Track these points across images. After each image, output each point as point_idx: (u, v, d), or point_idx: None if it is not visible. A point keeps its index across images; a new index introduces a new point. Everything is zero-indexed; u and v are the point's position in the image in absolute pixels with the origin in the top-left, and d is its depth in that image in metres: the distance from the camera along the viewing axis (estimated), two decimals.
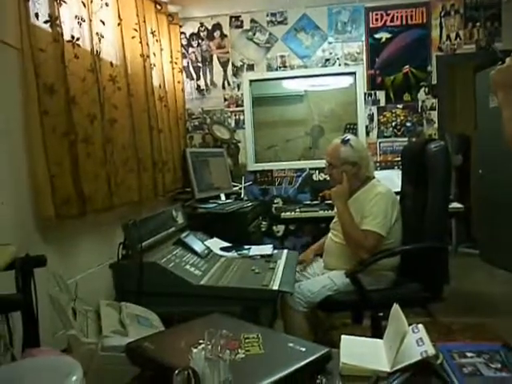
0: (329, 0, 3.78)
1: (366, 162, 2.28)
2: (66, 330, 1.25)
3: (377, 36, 3.88)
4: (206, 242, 2.19)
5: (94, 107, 2.15)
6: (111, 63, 2.44)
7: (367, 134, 3.93)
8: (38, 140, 1.75)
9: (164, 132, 3.16)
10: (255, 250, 2.18)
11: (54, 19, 1.86)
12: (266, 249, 2.20)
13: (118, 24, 2.55)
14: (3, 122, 1.61)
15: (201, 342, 0.79)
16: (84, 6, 2.15)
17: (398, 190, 2.42)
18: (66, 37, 1.97)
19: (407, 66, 3.79)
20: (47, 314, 1.45)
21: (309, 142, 4.67)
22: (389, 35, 3.83)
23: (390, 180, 2.99)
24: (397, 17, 3.82)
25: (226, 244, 2.28)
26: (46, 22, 1.83)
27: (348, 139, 2.26)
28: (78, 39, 2.06)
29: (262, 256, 2.11)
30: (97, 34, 2.28)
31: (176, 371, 0.68)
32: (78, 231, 2.03)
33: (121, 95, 2.51)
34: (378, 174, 3.44)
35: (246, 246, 2.24)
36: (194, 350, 0.72)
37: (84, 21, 2.13)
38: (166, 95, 3.32)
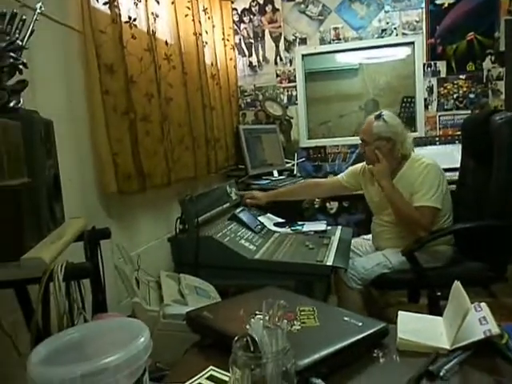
0: None
1: (402, 139, 2.16)
2: (130, 297, 1.33)
3: (438, 2, 3.64)
4: (259, 218, 2.23)
5: (151, 86, 2.21)
6: (166, 42, 2.48)
7: (426, 107, 3.75)
8: (100, 119, 1.83)
9: (217, 110, 3.19)
10: (309, 226, 2.19)
11: (112, 1, 1.92)
12: (320, 225, 2.20)
13: (172, 2, 2.58)
14: (68, 101, 1.70)
15: (258, 312, 0.81)
16: None
17: (458, 165, 2.31)
18: (124, 18, 2.02)
19: (472, 33, 3.54)
20: (113, 282, 1.55)
21: (363, 117, 4.53)
22: (450, 1, 3.59)
23: (450, 155, 2.87)
24: None
25: (279, 220, 2.30)
26: (104, 3, 1.89)
27: (382, 114, 2.17)
28: (134, 20, 2.11)
29: (316, 232, 2.11)
30: (152, 13, 2.31)
31: (235, 338, 0.70)
32: (138, 206, 2.13)
33: (176, 74, 2.56)
34: (437, 148, 3.31)
35: (300, 222, 2.25)
36: (252, 320, 0.74)
37: (140, 1, 2.17)
38: (218, 73, 3.34)
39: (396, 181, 2.15)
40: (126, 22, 2.05)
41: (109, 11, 1.91)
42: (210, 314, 1.05)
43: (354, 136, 4.10)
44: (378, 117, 2.17)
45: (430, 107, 3.75)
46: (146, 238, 2.20)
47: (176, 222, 1.95)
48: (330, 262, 1.69)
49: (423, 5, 3.68)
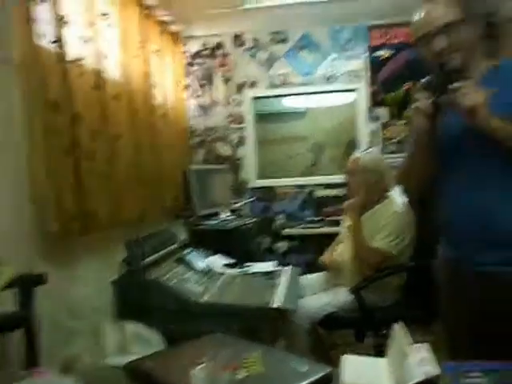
0: (330, 18, 3.82)
1: (388, 173, 2.25)
2: (67, 348, 1.24)
3: (378, 53, 3.92)
4: (207, 259, 2.19)
5: (98, 124, 2.17)
6: (115, 81, 2.47)
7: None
8: (40, 156, 1.76)
9: (166, 149, 3.18)
10: (257, 267, 2.18)
11: (58, 39, 1.90)
12: (269, 265, 2.20)
13: (122, 43, 2.59)
14: (7, 137, 1.63)
15: (201, 361, 0.79)
16: (89, 25, 2.19)
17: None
18: (71, 55, 2.00)
19: (409, 83, 3.82)
20: (49, 332, 1.45)
21: (310, 159, 4.69)
22: (390, 52, 3.87)
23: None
24: (398, 35, 3.86)
25: (227, 261, 2.27)
26: (51, 42, 1.86)
27: (369, 149, 2.31)
28: (81, 59, 2.10)
29: (265, 273, 2.10)
30: (101, 53, 2.31)
31: None
32: (80, 247, 2.03)
33: (124, 112, 2.54)
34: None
35: (248, 263, 2.24)
36: (195, 370, 0.71)
37: (88, 40, 2.17)
38: (169, 113, 3.35)
39: (368, 215, 2.22)
40: (73, 61, 2.03)
41: (55, 49, 1.89)
42: (153, 363, 1.00)
43: (302, 177, 4.21)
44: (366, 151, 2.33)
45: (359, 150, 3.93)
46: (88, 282, 2.09)
47: (121, 265, 1.87)
48: (277, 304, 1.68)
49: (365, 55, 3.94)
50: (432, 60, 1.24)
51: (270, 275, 2.07)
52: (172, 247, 2.17)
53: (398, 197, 2.22)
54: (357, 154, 2.33)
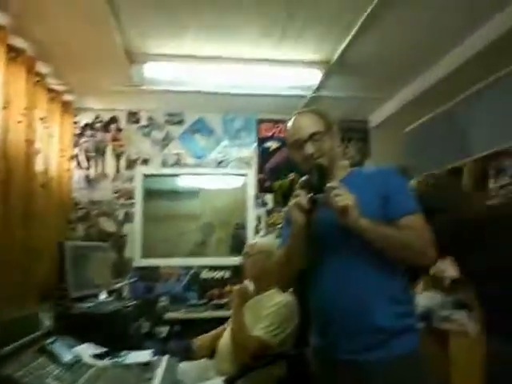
0: (223, 108, 4.07)
1: None
2: None
3: (266, 144, 4.22)
4: (75, 349, 1.95)
5: None
6: None
7: (256, 234, 4.06)
8: None
9: (42, 221, 2.92)
10: (132, 357, 1.99)
11: None
12: (144, 355, 2.02)
13: (4, 107, 2.43)
14: None
15: None
16: None
17: None
18: None
19: (293, 174, 4.13)
20: None
21: (199, 239, 4.66)
22: (277, 144, 4.19)
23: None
24: (284, 130, 4.24)
25: (99, 350, 2.05)
26: None
27: (268, 235, 2.38)
28: None
29: (139, 364, 1.92)
30: None
31: None
32: None
33: None
34: None
35: (123, 353, 2.04)
36: None
37: None
38: (50, 182, 3.13)
39: (252, 302, 2.23)
40: None
41: None
42: None
43: (189, 257, 4.14)
44: (263, 236, 2.33)
45: (258, 235, 4.07)
46: None
47: None
48: None
49: (254, 145, 4.21)
50: (302, 162, 1.41)
51: (145, 366, 1.90)
52: (34, 335, 1.89)
53: None
54: (257, 238, 2.43)
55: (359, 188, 1.30)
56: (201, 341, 2.40)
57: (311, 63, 3.13)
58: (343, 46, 2.85)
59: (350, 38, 2.75)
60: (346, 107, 4.04)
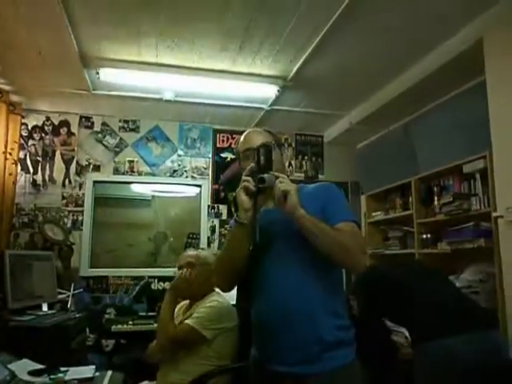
0: (180, 117, 4.04)
1: None
2: None
3: (222, 155, 4.22)
4: (11, 365, 1.84)
5: None
6: None
7: (209, 244, 4.03)
8: None
9: None
10: (73, 373, 1.89)
11: None
12: (87, 371, 1.93)
13: None
14: None
15: None
16: None
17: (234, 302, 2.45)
18: None
19: None
20: None
21: (151, 248, 4.56)
22: (233, 156, 4.19)
23: (231, 293, 3.03)
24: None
25: (37, 366, 1.94)
26: None
27: (204, 247, 2.38)
28: None
29: (81, 380, 1.84)
30: None
31: None
32: None
33: None
34: None
35: (63, 369, 1.94)
36: None
37: None
38: None
39: (192, 309, 2.20)
40: None
41: None
42: None
43: (139, 267, 4.03)
44: (203, 249, 2.34)
45: (212, 245, 4.04)
46: None
47: None
48: None
49: (210, 155, 4.20)
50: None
51: (86, 383, 1.82)
52: None
53: (221, 293, 2.31)
54: (191, 250, 2.39)
55: (302, 202, 1.33)
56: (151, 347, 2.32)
57: (268, 78, 3.18)
58: (299, 63, 2.92)
59: (306, 55, 2.82)
60: (302, 122, 4.13)
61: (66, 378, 1.86)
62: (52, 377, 1.85)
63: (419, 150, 3.38)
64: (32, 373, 1.86)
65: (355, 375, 1.31)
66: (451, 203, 2.76)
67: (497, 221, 2.28)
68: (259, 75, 3.15)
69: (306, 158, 4.43)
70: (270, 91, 3.32)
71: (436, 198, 2.99)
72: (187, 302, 2.33)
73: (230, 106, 3.69)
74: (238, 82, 3.19)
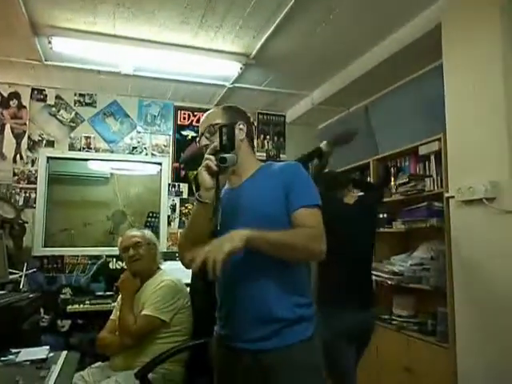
0: (140, 92, 3.91)
1: (159, 249, 2.44)
2: None
3: (184, 133, 4.14)
4: None
5: None
6: None
7: (169, 223, 3.98)
8: None
9: None
10: (25, 355, 1.84)
11: None
12: (40, 352, 1.88)
13: None
14: None
15: None
16: None
17: (189, 281, 2.44)
18: None
19: None
20: None
21: (109, 227, 4.47)
22: (194, 134, 4.13)
23: (182, 271, 3.03)
24: None
25: None
26: None
27: (141, 227, 2.41)
28: None
29: (34, 361, 1.79)
30: None
31: None
32: None
33: None
34: (177, 263, 3.45)
35: (14, 350, 1.88)
36: None
37: None
38: None
39: (142, 289, 2.22)
40: None
41: None
42: None
43: (97, 246, 3.94)
44: (142, 228, 2.45)
45: (172, 223, 4.00)
46: None
47: None
48: None
49: (171, 132, 4.11)
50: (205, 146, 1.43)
51: (40, 364, 1.77)
52: None
53: (173, 270, 2.33)
54: (134, 231, 2.40)
55: (265, 183, 1.35)
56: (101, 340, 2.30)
57: (231, 54, 3.12)
58: (262, 39, 2.88)
59: (269, 32, 2.77)
60: (265, 101, 4.10)
61: (18, 359, 1.80)
62: (2, 359, 1.79)
63: (378, 132, 3.45)
64: None
65: (314, 349, 1.34)
66: (407, 184, 2.84)
67: (448, 201, 2.37)
68: (222, 51, 3.08)
69: (268, 137, 4.42)
70: (232, 68, 3.27)
71: (392, 179, 3.07)
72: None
73: (191, 82, 3.61)
74: (199, 57, 3.11)
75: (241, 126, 1.45)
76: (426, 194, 2.71)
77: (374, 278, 2.89)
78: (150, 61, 3.21)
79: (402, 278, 2.75)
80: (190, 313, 2.25)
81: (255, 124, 4.36)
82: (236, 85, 3.62)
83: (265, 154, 4.36)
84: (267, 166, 1.50)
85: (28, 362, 1.78)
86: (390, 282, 2.81)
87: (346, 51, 3.08)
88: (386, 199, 3.07)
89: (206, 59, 3.14)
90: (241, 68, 3.23)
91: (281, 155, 4.41)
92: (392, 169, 3.14)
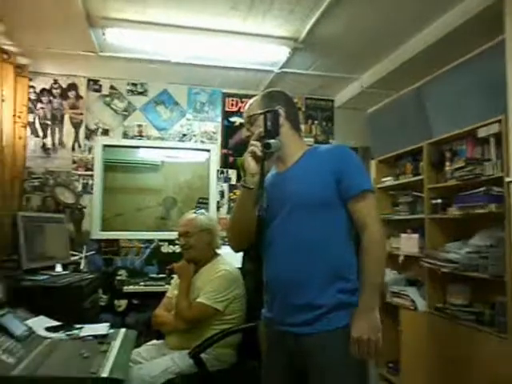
0: (189, 80, 3.98)
1: (218, 233, 2.40)
2: None
3: (231, 119, 4.17)
4: (28, 322, 1.90)
5: None
6: None
7: (218, 209, 4.06)
8: None
9: None
10: (88, 330, 1.96)
11: None
12: (101, 328, 2.00)
13: None
14: None
15: None
16: None
17: (239, 265, 2.48)
18: None
19: None
20: None
21: (161, 213, 4.61)
22: (242, 120, 4.13)
23: (236, 255, 3.08)
24: None
25: (53, 323, 2.01)
26: None
27: (201, 211, 2.43)
28: None
29: (95, 336, 1.90)
30: None
31: None
32: None
33: None
34: (225, 249, 3.52)
35: (78, 325, 2.01)
36: None
37: None
38: (2, 150, 2.98)
39: (197, 276, 2.27)
40: None
41: None
42: None
43: (149, 231, 4.08)
44: (199, 213, 2.39)
45: (221, 209, 4.07)
46: None
47: None
48: (105, 374, 1.51)
49: (219, 119, 4.16)
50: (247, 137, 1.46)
51: (101, 339, 1.88)
52: None
53: (226, 256, 2.35)
54: (191, 215, 2.39)
55: (313, 166, 1.36)
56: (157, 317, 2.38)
57: (279, 39, 3.09)
58: (311, 23, 2.83)
59: (318, 15, 2.72)
60: (312, 85, 4.05)
61: (81, 334, 1.92)
62: (68, 333, 1.92)
63: (432, 114, 3.31)
64: (49, 329, 1.93)
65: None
66: (463, 168, 2.72)
67: (509, 186, 2.25)
68: (270, 36, 3.06)
69: (316, 122, 4.37)
70: (280, 53, 3.24)
71: (448, 163, 2.95)
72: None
73: (239, 68, 3.61)
74: (248, 42, 3.11)
75: (279, 111, 1.43)
76: (485, 178, 2.57)
77: (427, 265, 2.82)
78: (200, 48, 3.24)
79: (457, 266, 2.65)
80: (244, 302, 2.27)
81: (302, 109, 4.31)
82: (284, 70, 3.59)
83: (312, 140, 4.32)
84: (313, 150, 1.49)
85: (90, 337, 1.89)
86: (444, 270, 2.72)
87: (397, 31, 2.96)
88: (440, 184, 2.96)
89: (255, 45, 3.14)
90: (289, 52, 3.20)
91: (329, 141, 4.34)
92: (447, 153, 3.01)
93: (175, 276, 2.41)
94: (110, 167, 4.11)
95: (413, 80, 3.61)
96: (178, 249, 3.62)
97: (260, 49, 3.20)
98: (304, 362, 1.33)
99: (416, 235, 3.11)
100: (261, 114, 1.39)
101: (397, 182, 3.50)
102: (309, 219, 1.34)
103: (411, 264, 3.23)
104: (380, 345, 1.25)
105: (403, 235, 3.27)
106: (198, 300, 2.14)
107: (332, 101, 4.42)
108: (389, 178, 3.60)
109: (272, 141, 1.31)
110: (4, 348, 1.60)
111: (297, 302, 1.34)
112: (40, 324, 1.95)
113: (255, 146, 1.32)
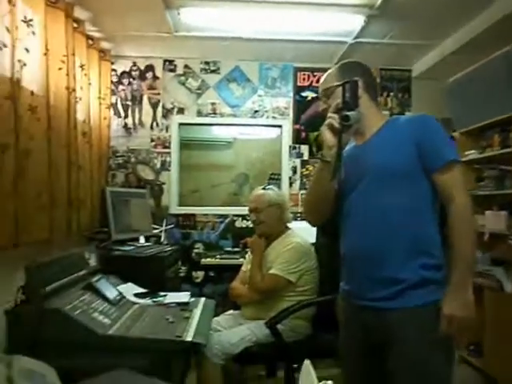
0: (260, 56, 3.97)
1: (288, 207, 2.45)
2: None
3: (303, 94, 4.12)
4: (119, 287, 2.08)
5: (7, 137, 2.01)
6: (32, 93, 2.31)
7: (290, 185, 4.07)
8: None
9: (84, 168, 3.01)
10: (171, 298, 2.10)
11: None
12: (183, 296, 2.13)
13: (45, 54, 2.45)
14: None
15: None
16: (7, 31, 2.05)
17: (314, 241, 2.48)
18: None
19: None
20: None
21: (234, 189, 4.71)
22: (314, 94, 4.08)
23: (309, 230, 3.08)
24: None
25: (140, 290, 2.17)
26: None
27: (270, 186, 2.46)
28: None
29: (178, 304, 2.03)
30: (19, 61, 2.16)
31: None
32: None
33: (39, 127, 2.37)
34: (298, 224, 3.53)
35: (162, 293, 2.16)
36: None
37: (5, 46, 2.02)
38: (90, 131, 3.20)
39: (269, 250, 2.33)
40: None
41: None
42: None
43: (223, 206, 4.21)
44: (268, 188, 2.43)
45: (293, 185, 4.08)
46: None
47: (17, 292, 1.70)
48: (189, 338, 1.62)
49: (291, 94, 4.12)
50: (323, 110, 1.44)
51: (183, 306, 2.00)
52: (81, 273, 2.01)
53: (297, 229, 2.40)
54: (260, 191, 2.42)
55: (393, 137, 1.32)
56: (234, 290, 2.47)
57: (353, 7, 2.96)
58: None
59: None
60: (388, 56, 3.85)
61: (166, 301, 2.06)
62: (154, 299, 2.06)
63: None
64: (137, 295, 2.09)
65: (435, 316, 1.27)
66: None
67: None
68: (344, 5, 2.94)
69: (392, 94, 4.18)
70: (354, 22, 3.11)
71: None
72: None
73: (311, 41, 3.52)
74: (320, 13, 3.02)
75: (358, 82, 1.37)
76: None
77: None
78: (270, 22, 3.21)
79: None
80: (317, 274, 2.30)
81: (378, 80, 4.13)
82: (358, 40, 3.45)
83: (388, 113, 4.14)
84: (394, 120, 1.44)
85: (173, 304, 2.02)
86: None
87: None
88: None
89: (327, 14, 3.04)
90: (364, 21, 3.06)
91: (405, 113, 4.14)
92: None
93: (250, 251, 2.48)
94: (185, 145, 4.26)
95: (500, 44, 3.30)
96: (250, 224, 3.70)
97: (332, 19, 3.10)
98: (382, 337, 1.32)
99: (503, 212, 2.91)
100: (338, 86, 1.35)
101: (482, 156, 3.27)
102: (390, 191, 1.30)
103: (497, 243, 3.03)
104: (473, 324, 1.20)
105: (488, 212, 3.07)
106: (271, 272, 2.20)
107: (409, 71, 4.18)
108: (473, 151, 3.38)
109: (351, 113, 1.28)
110: (100, 310, 1.76)
111: (377, 275, 1.31)
112: (129, 290, 2.12)
113: (333, 119, 1.29)
